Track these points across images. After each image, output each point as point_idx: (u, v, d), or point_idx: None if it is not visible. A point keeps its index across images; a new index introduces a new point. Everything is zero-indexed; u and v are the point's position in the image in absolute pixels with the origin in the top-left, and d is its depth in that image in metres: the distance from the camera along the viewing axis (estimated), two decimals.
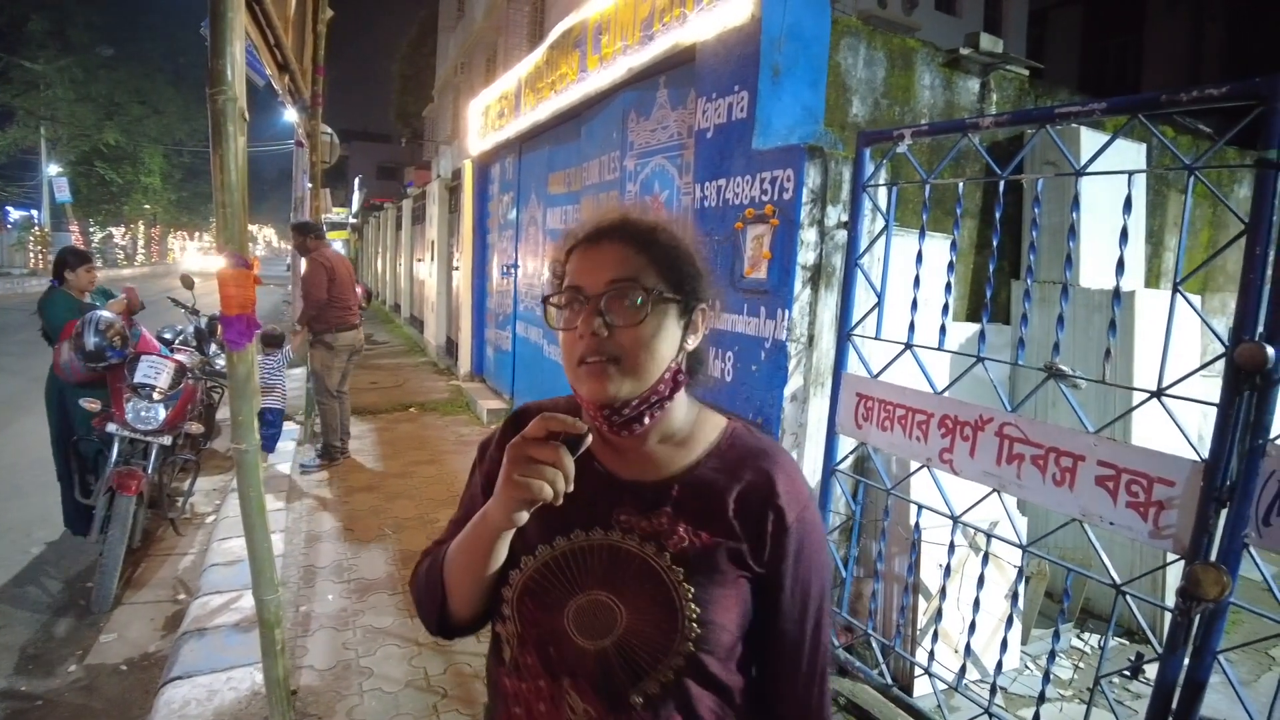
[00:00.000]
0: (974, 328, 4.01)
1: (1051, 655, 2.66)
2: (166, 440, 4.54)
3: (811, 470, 3.29)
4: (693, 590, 0.99)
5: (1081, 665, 3.71)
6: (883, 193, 3.11)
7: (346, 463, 6.45)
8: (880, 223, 3.14)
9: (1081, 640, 3.91)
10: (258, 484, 2.82)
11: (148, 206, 45.00)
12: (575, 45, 5.58)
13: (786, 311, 3.19)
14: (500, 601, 1.09)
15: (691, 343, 1.05)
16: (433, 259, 11.82)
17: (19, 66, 29.76)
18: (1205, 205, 5.17)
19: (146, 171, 40.50)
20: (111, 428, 4.41)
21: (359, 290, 11.31)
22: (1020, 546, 2.69)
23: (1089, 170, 2.40)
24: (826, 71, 3.66)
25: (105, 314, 4.69)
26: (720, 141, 3.73)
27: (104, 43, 31.42)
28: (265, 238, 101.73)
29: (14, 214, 36.54)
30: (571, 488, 0.91)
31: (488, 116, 8.66)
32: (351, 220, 33.30)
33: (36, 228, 36.07)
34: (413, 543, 4.75)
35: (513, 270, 8.01)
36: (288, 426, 7.10)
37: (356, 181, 35.28)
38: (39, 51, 29.61)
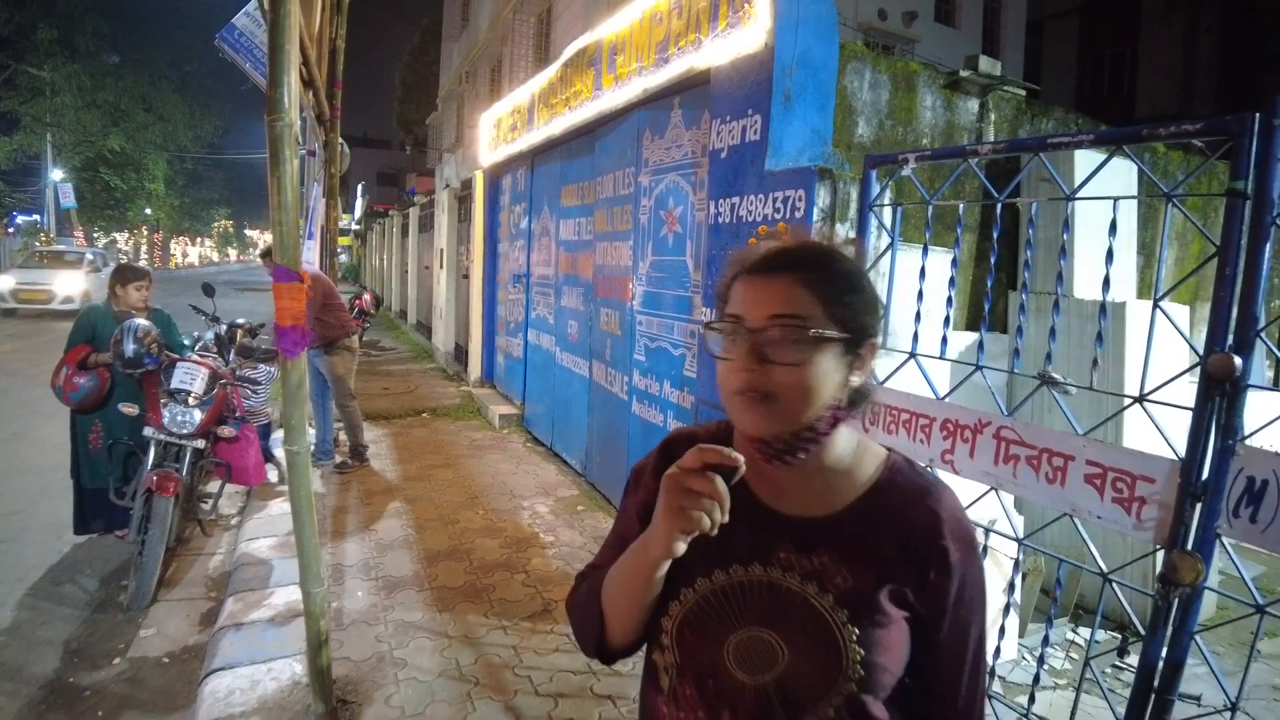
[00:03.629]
0: (972, 336, 4.23)
1: (1046, 640, 2.88)
2: (200, 444, 4.73)
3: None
4: (857, 633, 0.99)
5: (1074, 657, 3.93)
6: (887, 211, 3.33)
7: (365, 467, 6.65)
8: (885, 238, 3.36)
9: (1076, 634, 4.13)
10: (307, 483, 3.02)
11: (150, 212, 45.17)
12: (590, 64, 5.80)
13: None
14: (659, 630, 1.10)
15: (857, 379, 1.02)
16: (442, 266, 12.02)
17: (26, 73, 29.91)
18: (1198, 217, 5.40)
19: (150, 178, 40.72)
20: (149, 431, 4.61)
21: (368, 297, 11.51)
22: (1017, 540, 2.91)
23: (1079, 195, 2.61)
24: (835, 96, 3.89)
25: (142, 321, 4.91)
26: (734, 161, 3.96)
27: (110, 50, 31.55)
28: (265, 243, 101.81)
29: (19, 219, 36.62)
30: (727, 519, 0.93)
31: (500, 129, 8.87)
32: (355, 226, 33.51)
33: (42, 233, 36.15)
34: (434, 543, 4.94)
35: (524, 279, 8.22)
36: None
37: (360, 188, 35.49)
38: (46, 58, 29.75)
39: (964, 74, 4.87)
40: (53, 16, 28.74)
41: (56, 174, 34.02)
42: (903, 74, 4.59)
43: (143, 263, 52.08)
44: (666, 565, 1.02)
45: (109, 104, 33.32)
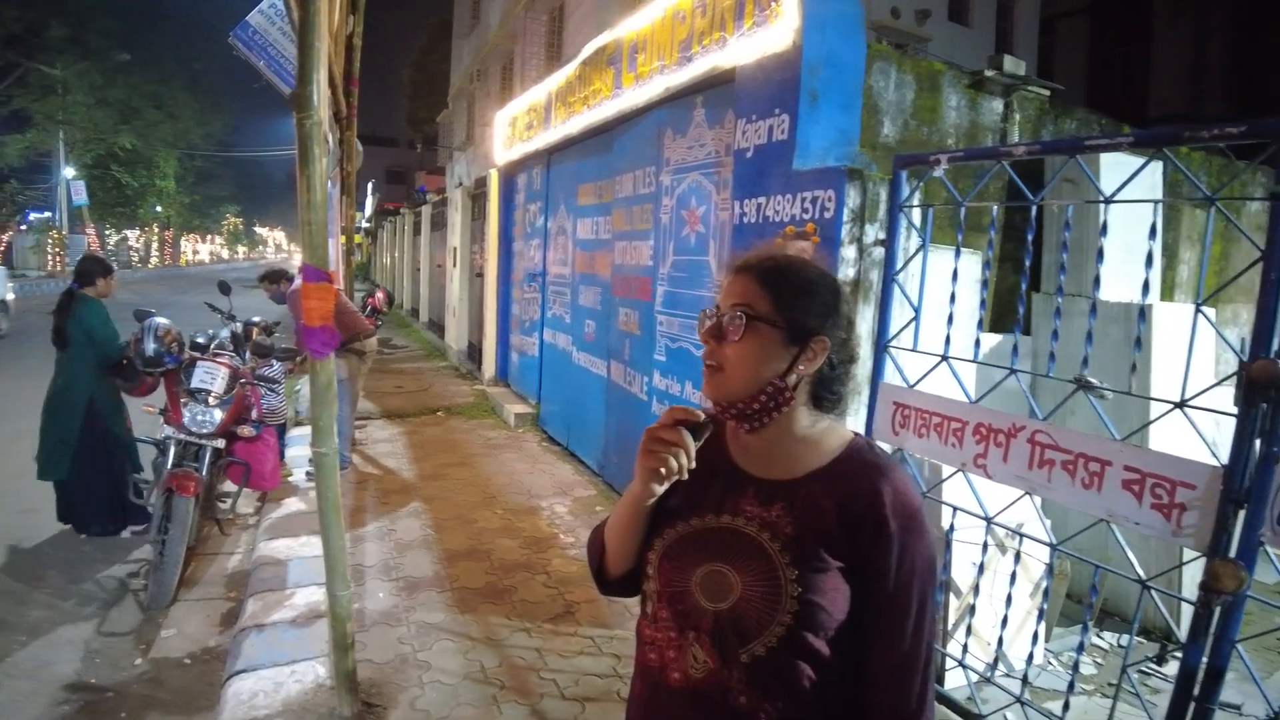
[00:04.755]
0: (996, 338, 4.19)
1: (1081, 647, 2.84)
2: (220, 443, 4.72)
3: None
4: (796, 573, 1.17)
5: (1101, 661, 3.89)
6: (916, 212, 3.31)
7: (381, 466, 6.64)
8: (914, 239, 3.33)
9: (1100, 638, 4.09)
10: (335, 486, 3.00)
11: (161, 209, 45.34)
12: (609, 62, 5.77)
13: None
14: (645, 563, 1.32)
15: (803, 369, 1.22)
16: (455, 265, 12.02)
17: (37, 71, 30.03)
18: (1217, 219, 5.34)
19: (161, 175, 40.90)
20: (169, 431, 4.60)
21: (380, 295, 11.53)
22: (1051, 545, 2.88)
23: (1116, 198, 2.58)
24: (861, 96, 3.87)
25: (162, 320, 4.92)
26: (760, 161, 3.93)
27: (121, 48, 31.67)
28: (275, 240, 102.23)
29: (33, 216, 36.80)
30: (693, 464, 1.17)
31: (515, 127, 8.86)
32: (365, 224, 33.57)
33: (54, 230, 36.35)
34: (453, 543, 4.93)
35: (540, 278, 8.20)
36: (302, 432, 7.22)
37: (370, 186, 35.54)
38: (57, 56, 29.87)
39: (988, 74, 4.84)
40: (64, 14, 28.81)
41: (68, 171, 34.19)
42: (927, 74, 4.56)
43: (154, 260, 52.58)
44: (649, 503, 1.25)
45: (120, 102, 33.49)
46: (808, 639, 1.18)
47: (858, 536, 1.18)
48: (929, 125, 4.56)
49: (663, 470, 1.16)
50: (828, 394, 1.27)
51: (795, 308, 1.20)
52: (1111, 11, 23.10)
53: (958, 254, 3.11)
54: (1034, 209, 2.93)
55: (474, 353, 11.22)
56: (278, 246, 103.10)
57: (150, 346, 4.79)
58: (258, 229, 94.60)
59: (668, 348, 5.02)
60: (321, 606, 3.99)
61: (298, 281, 6.16)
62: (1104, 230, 2.70)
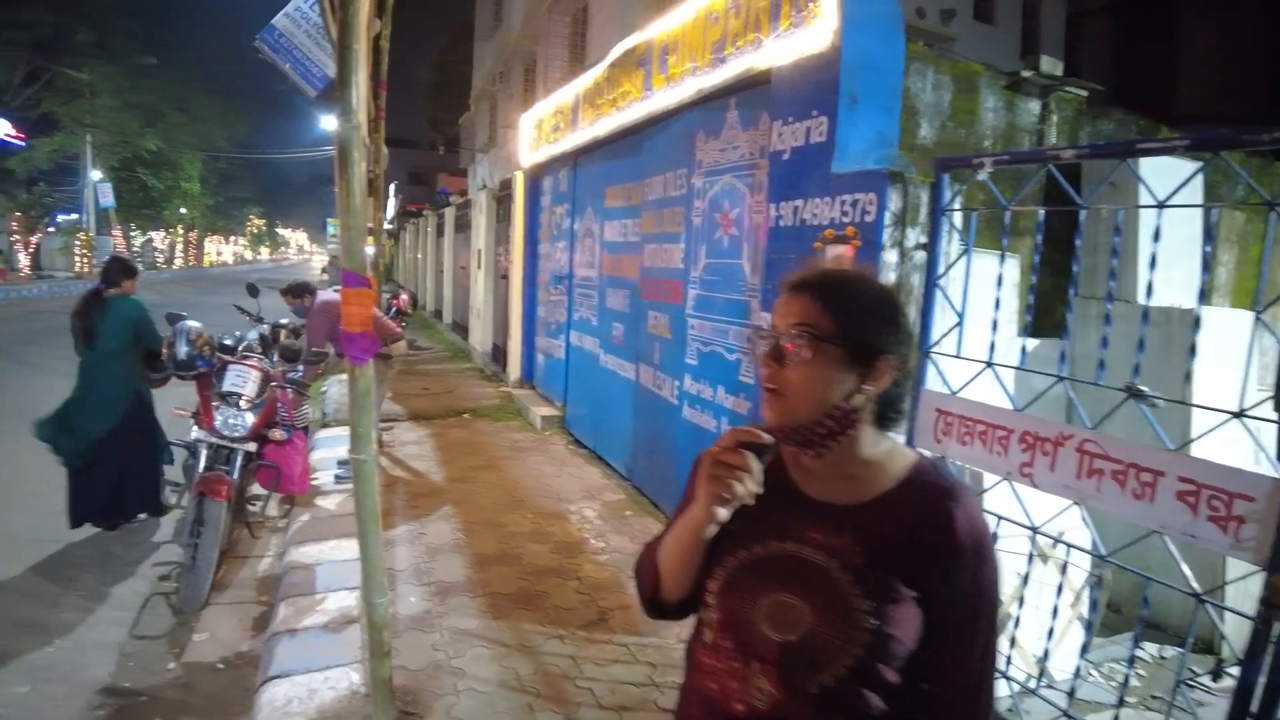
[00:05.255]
0: (1034, 343, 4.12)
1: (1131, 661, 2.78)
2: (252, 447, 4.72)
3: None
4: (868, 604, 1.13)
5: (1142, 674, 3.81)
6: (958, 216, 3.25)
7: (409, 468, 6.64)
8: (954, 243, 3.28)
9: (1141, 649, 4.01)
10: (373, 492, 2.98)
11: (185, 211, 45.81)
12: (639, 64, 5.74)
13: None
14: (704, 591, 1.28)
15: (870, 389, 1.18)
16: (480, 267, 12.03)
17: (65, 75, 30.42)
18: (1256, 220, 5.23)
19: (185, 177, 41.34)
20: (200, 434, 4.61)
21: (405, 297, 11.54)
22: (1100, 557, 2.81)
23: (1170, 203, 2.52)
24: (901, 97, 3.81)
25: (194, 324, 4.94)
26: (796, 163, 3.89)
27: (146, 52, 32.02)
28: (297, 242, 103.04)
29: (60, 219, 37.29)
30: (759, 489, 1.12)
31: (541, 129, 8.85)
32: (388, 226, 33.70)
33: (82, 232, 36.82)
34: (484, 547, 4.91)
35: (566, 280, 8.19)
36: (330, 434, 7.26)
37: (393, 188, 35.71)
38: (84, 61, 30.23)
39: (1025, 74, 4.78)
40: (90, 19, 29.17)
41: (95, 174, 34.59)
42: (964, 75, 4.50)
43: (178, 261, 53.20)
44: (711, 530, 1.19)
45: (145, 105, 33.85)
46: (878, 669, 1.15)
47: (929, 564, 1.16)
48: (966, 127, 4.50)
49: (728, 496, 1.12)
50: (892, 413, 1.24)
51: (859, 326, 1.17)
52: (1138, 9, 22.82)
53: (1003, 259, 3.05)
54: (1081, 213, 2.87)
55: (499, 354, 11.23)
56: (299, 248, 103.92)
57: (183, 350, 4.82)
58: (279, 230, 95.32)
59: (699, 351, 4.97)
60: (353, 611, 3.99)
61: (320, 297, 6.19)
62: (1157, 236, 2.64)
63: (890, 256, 3.34)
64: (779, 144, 4.03)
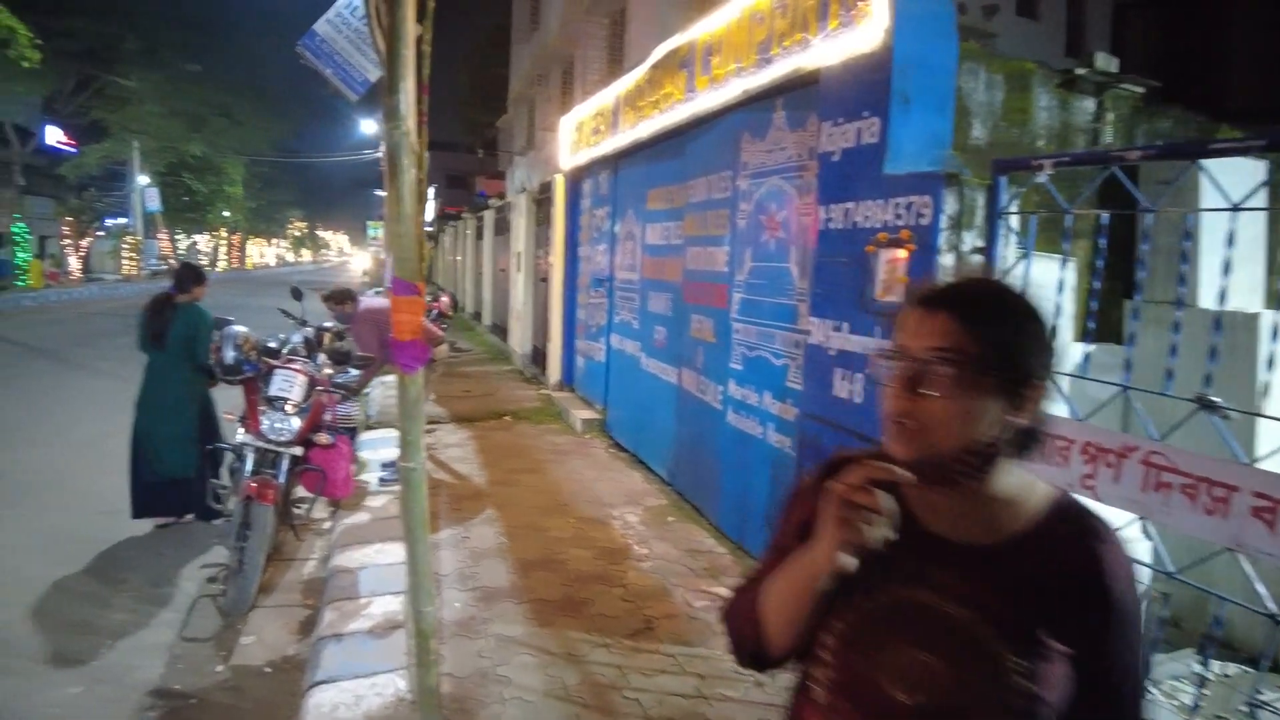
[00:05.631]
0: (1088, 349, 4.00)
1: (1201, 682, 2.68)
2: (298, 451, 4.74)
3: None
4: (1016, 662, 0.99)
5: (1207, 693, 3.68)
6: (1015, 219, 3.16)
7: (452, 471, 6.65)
8: (1012, 247, 3.19)
9: (1204, 668, 3.87)
10: (422, 500, 2.96)
11: (228, 214, 46.64)
12: (681, 65, 5.69)
13: None
14: (817, 644, 1.13)
15: (1018, 419, 1.02)
16: (519, 269, 12.06)
17: (113, 83, 31.18)
18: None
19: (229, 181, 42.11)
20: (247, 438, 4.64)
21: (446, 300, 11.59)
22: (1168, 574, 2.71)
23: (1246, 205, 2.42)
24: (954, 97, 3.73)
25: (240, 329, 4.99)
26: (847, 165, 3.82)
27: (191, 59, 32.70)
28: (338, 244, 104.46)
29: (109, 223, 38.18)
30: (894, 535, 0.98)
31: (581, 132, 8.84)
32: (427, 229, 33.97)
33: (130, 236, 37.70)
34: (527, 552, 4.89)
35: (607, 283, 8.16)
36: (373, 436, 7.29)
37: (432, 191, 36.03)
38: (131, 69, 30.97)
39: (1079, 72, 4.65)
40: (137, 28, 29.88)
41: (142, 179, 35.39)
42: (1017, 73, 4.40)
43: (222, 263, 54.23)
44: (828, 579, 1.04)
45: (190, 111, 34.58)
46: None
47: (1082, 618, 1.02)
48: (1019, 127, 4.39)
49: (858, 542, 0.97)
50: (1033, 442, 1.07)
51: (1010, 350, 1.01)
52: (1185, 1, 22.29)
53: (1064, 263, 2.96)
54: (1123, 216, 2.78)
55: (538, 357, 11.24)
56: (340, 250, 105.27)
57: (230, 355, 4.87)
58: (320, 232, 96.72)
59: (745, 356, 4.91)
60: (398, 616, 3.99)
61: (363, 303, 6.22)
62: (1231, 240, 2.53)
63: (946, 261, 3.26)
64: (828, 145, 3.96)
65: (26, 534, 5.23)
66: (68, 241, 34.90)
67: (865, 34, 3.66)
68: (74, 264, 35.18)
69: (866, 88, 3.70)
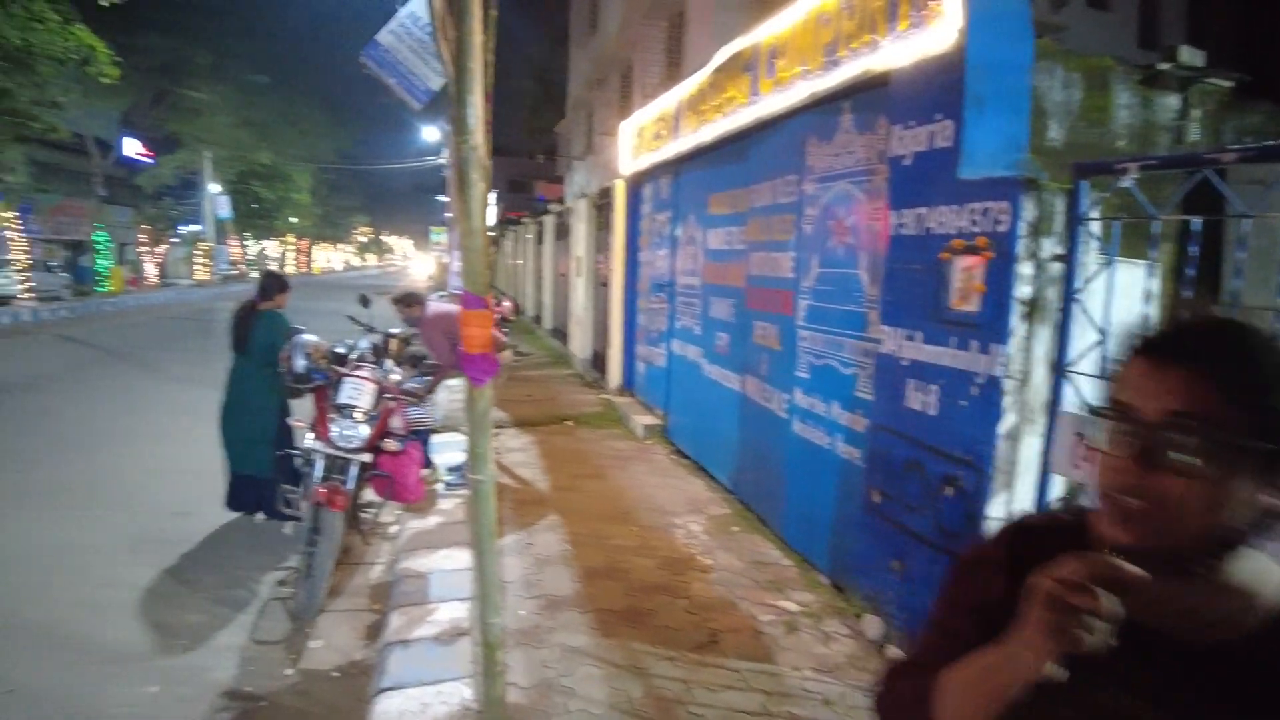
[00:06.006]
0: None
1: None
2: (367, 458, 4.80)
3: (1022, 509, 3.24)
4: None
5: None
6: (1097, 224, 3.05)
7: (515, 476, 6.68)
8: (1093, 254, 3.08)
9: None
10: (490, 512, 2.96)
11: (296, 220, 47.92)
12: (745, 69, 5.63)
13: (1001, 346, 3.16)
14: None
15: (1270, 498, 0.84)
16: (579, 273, 12.09)
17: (185, 96, 32.35)
18: None
19: (296, 188, 43.30)
20: (317, 445, 4.71)
21: (508, 304, 11.69)
22: None
23: None
24: (1029, 98, 3.60)
25: (311, 337, 5.07)
26: (919, 169, 3.71)
27: (258, 71, 33.70)
28: (401, 248, 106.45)
29: (183, 230, 39.53)
30: (1115, 642, 0.79)
31: (641, 137, 8.82)
32: (489, 233, 34.36)
33: (203, 242, 39.02)
34: (590, 560, 4.87)
35: (668, 288, 8.12)
36: (438, 440, 7.34)
37: (493, 196, 36.41)
38: (203, 82, 32.10)
39: (1163, 67, 4.46)
40: (209, 43, 30.99)
41: (214, 187, 36.64)
42: (1096, 70, 4.23)
43: (290, 268, 55.71)
44: (1027, 689, 0.85)
45: (258, 121, 35.70)
46: None
47: None
48: (1098, 127, 4.23)
49: (1073, 650, 0.78)
50: (1276, 525, 0.87)
51: (1272, 414, 0.82)
52: None
53: (1150, 271, 2.83)
54: (1240, 221, 2.63)
55: (598, 361, 11.26)
56: (404, 254, 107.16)
57: (300, 363, 4.96)
58: (385, 237, 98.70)
59: (812, 365, 4.82)
60: (464, 623, 4.00)
61: (430, 308, 6.28)
62: None
63: (1025, 269, 3.15)
64: (899, 149, 3.86)
65: (108, 535, 5.41)
66: (144, 248, 36.27)
67: (937, 34, 3.56)
68: (150, 270, 36.47)
69: (938, 90, 3.59)
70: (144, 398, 10.45)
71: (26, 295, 24.50)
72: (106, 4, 12.63)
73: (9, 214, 24.62)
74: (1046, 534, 0.95)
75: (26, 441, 7.86)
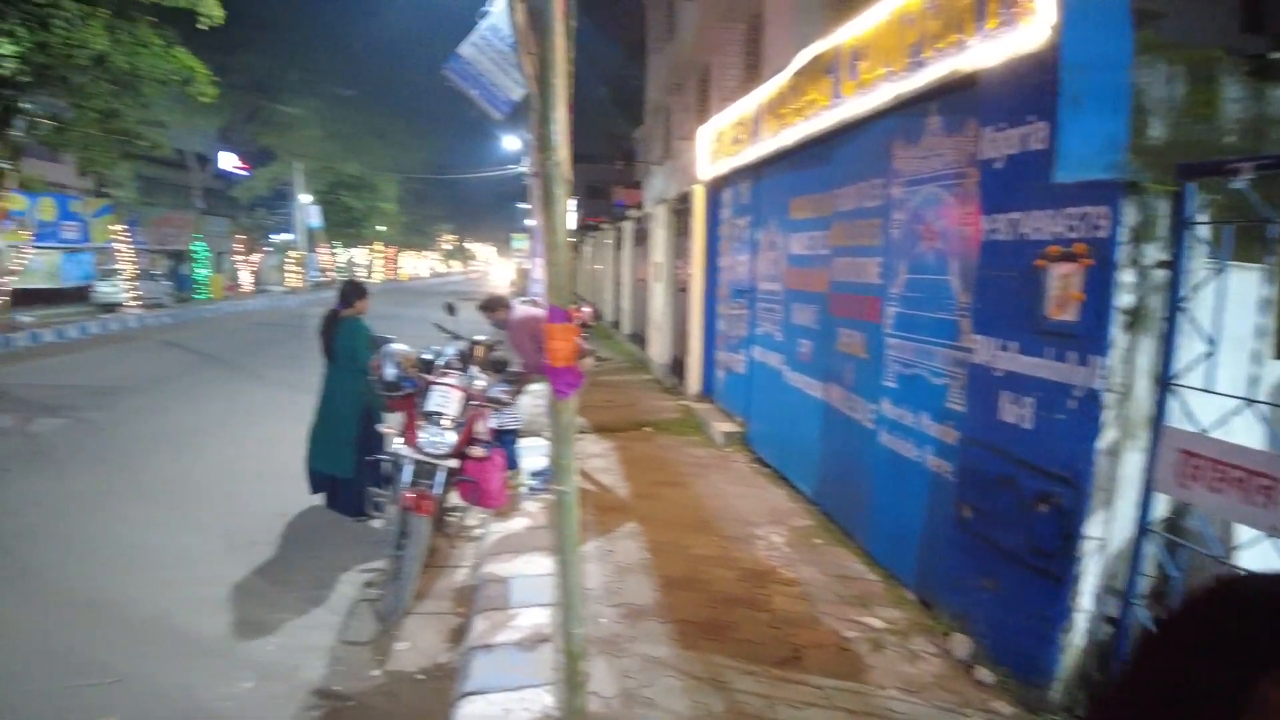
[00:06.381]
0: None
1: None
2: (454, 464, 4.88)
3: (1122, 529, 3.09)
4: None
5: None
6: (1206, 228, 2.89)
7: (595, 482, 6.69)
8: (1200, 260, 2.92)
9: None
10: (574, 524, 2.96)
11: (383, 229, 49.34)
12: (827, 71, 5.53)
13: (1100, 358, 3.01)
14: None
15: None
16: (658, 279, 12.09)
17: (278, 111, 33.74)
18: None
19: (383, 198, 44.62)
20: (405, 450, 4.81)
21: (587, 310, 11.76)
22: None
23: None
24: (1129, 96, 3.43)
25: (401, 346, 5.20)
26: (1011, 172, 3.58)
27: (346, 86, 34.89)
28: (484, 255, 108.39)
29: (275, 238, 41.10)
30: None
31: (720, 141, 8.77)
32: (569, 239, 34.73)
33: (295, 251, 40.57)
34: (670, 569, 4.84)
35: (748, 294, 8.04)
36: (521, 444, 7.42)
37: (573, 203, 36.75)
38: (293, 98, 33.43)
39: (1274, 56, 4.21)
40: (299, 60, 32.34)
41: (305, 198, 38.07)
42: (1200, 63, 4.01)
43: (377, 275, 57.39)
44: None
45: (346, 134, 36.98)
46: None
47: None
48: (1204, 123, 4.00)
49: None
50: None
51: None
52: None
53: (1267, 277, 2.67)
54: None
55: (677, 367, 11.24)
56: (486, 261, 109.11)
57: (390, 372, 5.10)
58: (468, 244, 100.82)
59: (900, 374, 4.69)
60: (545, 629, 4.01)
61: (516, 311, 6.36)
62: None
63: (1126, 276, 3.00)
64: (990, 152, 3.73)
65: (208, 534, 5.67)
66: (240, 257, 37.84)
67: (1029, 32, 3.43)
68: (245, 277, 38.00)
69: (1031, 90, 3.46)
70: (245, 400, 10.91)
71: (133, 302, 25.99)
72: (205, 27, 13.26)
73: (118, 226, 26.12)
74: (1269, 611, 0.71)
75: (137, 442, 8.31)
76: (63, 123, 14.50)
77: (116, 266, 26.39)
